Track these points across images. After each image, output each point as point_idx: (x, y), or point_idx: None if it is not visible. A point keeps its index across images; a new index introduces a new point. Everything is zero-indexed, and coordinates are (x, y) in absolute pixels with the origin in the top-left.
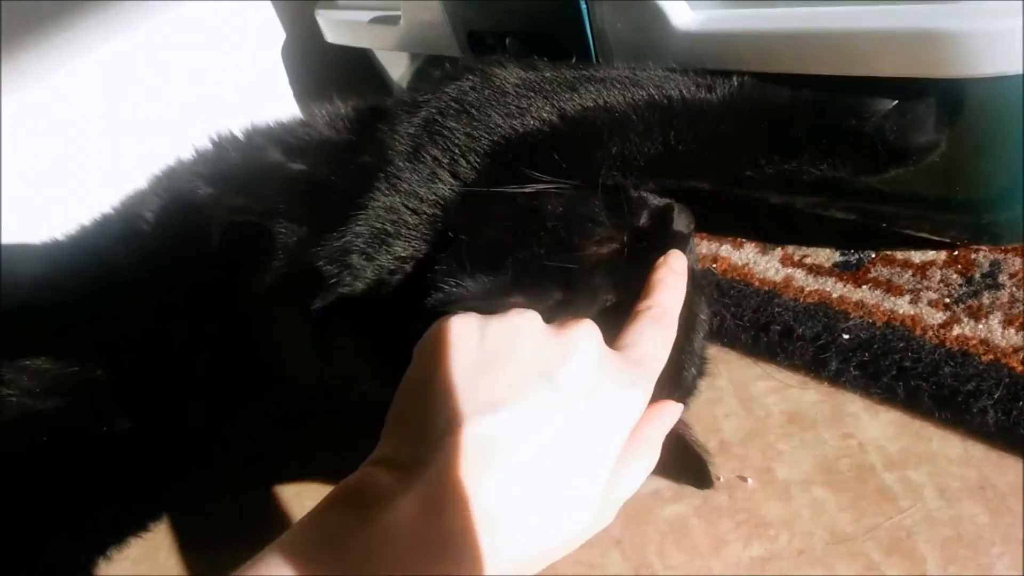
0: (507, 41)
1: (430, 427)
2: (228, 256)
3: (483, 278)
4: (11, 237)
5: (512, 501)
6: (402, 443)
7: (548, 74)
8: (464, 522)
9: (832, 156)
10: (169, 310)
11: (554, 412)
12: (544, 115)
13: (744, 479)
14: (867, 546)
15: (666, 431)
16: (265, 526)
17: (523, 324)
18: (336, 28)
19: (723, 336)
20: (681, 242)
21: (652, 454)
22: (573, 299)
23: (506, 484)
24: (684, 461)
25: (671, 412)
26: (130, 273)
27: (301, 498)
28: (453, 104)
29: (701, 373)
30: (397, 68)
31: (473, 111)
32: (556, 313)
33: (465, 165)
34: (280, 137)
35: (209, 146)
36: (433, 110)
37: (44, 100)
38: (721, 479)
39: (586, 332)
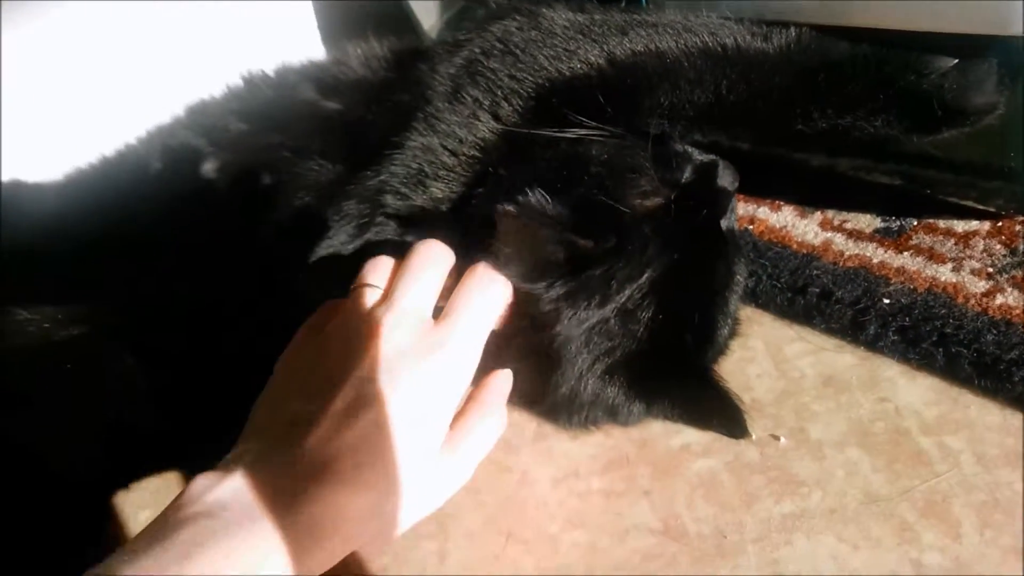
0: None
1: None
2: (260, 194)
3: (557, 204)
4: (31, 171)
5: (316, 483)
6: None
7: (598, 17)
8: (268, 501)
9: (887, 112)
10: (192, 246)
11: (360, 399)
12: (592, 59)
13: (777, 438)
14: (901, 507)
15: (504, 395)
16: None
17: (341, 327)
18: None
19: (757, 297)
20: (724, 199)
21: (491, 418)
22: (625, 247)
23: (312, 465)
24: (718, 409)
25: (503, 377)
26: (153, 206)
27: None
28: (497, 44)
29: (734, 333)
30: (428, 17)
31: (518, 52)
32: (608, 260)
33: (507, 107)
34: (314, 75)
35: (240, 83)
36: (476, 50)
37: (55, 37)
38: (754, 436)
39: (392, 322)
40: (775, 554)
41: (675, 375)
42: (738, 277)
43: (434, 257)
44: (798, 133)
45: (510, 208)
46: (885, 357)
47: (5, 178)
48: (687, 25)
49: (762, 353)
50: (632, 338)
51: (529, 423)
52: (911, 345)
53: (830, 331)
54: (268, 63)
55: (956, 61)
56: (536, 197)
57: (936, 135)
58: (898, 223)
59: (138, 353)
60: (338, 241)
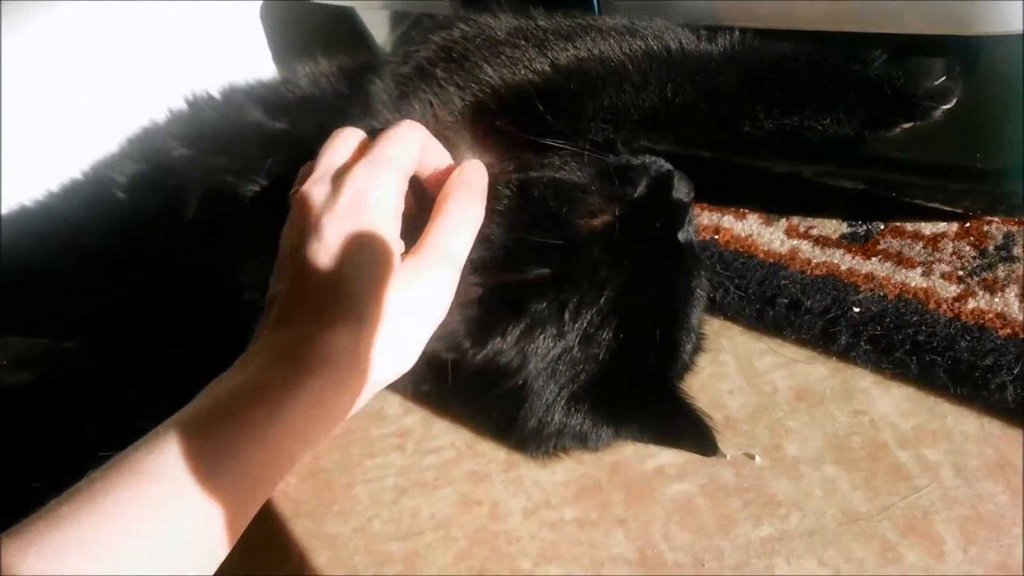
0: None
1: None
2: (205, 218)
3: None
4: None
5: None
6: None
7: (543, 23)
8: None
9: (836, 109)
10: (143, 277)
11: (303, 262)
12: (536, 65)
13: (751, 456)
14: (882, 526)
15: (474, 185)
16: None
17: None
18: None
19: (725, 310)
20: (680, 211)
21: (456, 215)
22: (569, 275)
23: (287, 325)
24: (687, 427)
25: (468, 169)
26: (102, 240)
27: None
28: (441, 54)
29: (699, 349)
30: (380, 31)
31: (464, 61)
32: (550, 291)
33: (452, 118)
34: (261, 95)
35: (184, 107)
36: (422, 60)
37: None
38: (728, 456)
39: (310, 187)
40: None
41: (640, 396)
42: (699, 291)
43: (343, 136)
44: (747, 136)
45: None
46: (858, 367)
47: None
48: (632, 29)
49: (733, 368)
50: (594, 362)
51: (498, 452)
52: (884, 354)
53: (801, 342)
54: (210, 86)
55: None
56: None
57: (890, 129)
58: (865, 227)
59: (88, 392)
60: None
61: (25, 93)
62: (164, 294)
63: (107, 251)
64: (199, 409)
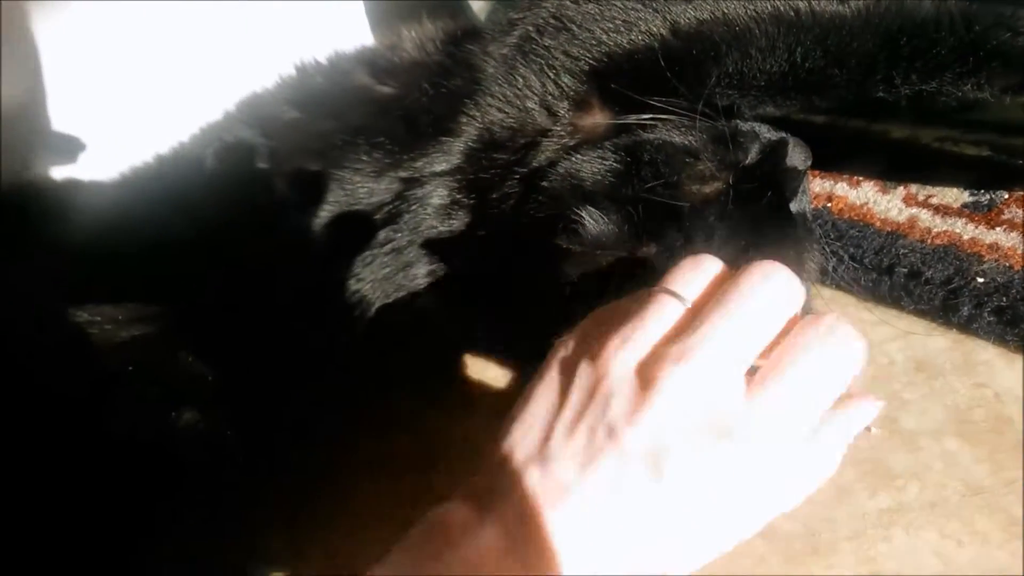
0: None
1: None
2: (311, 184)
3: (614, 220)
4: (90, 170)
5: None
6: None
7: None
8: (538, 556)
9: (978, 74)
10: (251, 239)
11: (600, 469)
12: (655, 29)
13: (868, 428)
14: (1007, 500)
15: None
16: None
17: (613, 371)
18: None
19: (838, 280)
20: (793, 179)
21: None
22: (691, 242)
23: (578, 519)
24: None
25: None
26: (211, 202)
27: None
28: (552, 20)
29: None
30: None
31: (574, 27)
32: (677, 257)
33: (563, 89)
34: (368, 59)
35: (293, 72)
36: (530, 28)
37: (97, 32)
38: None
39: (682, 377)
40: (872, 551)
41: None
42: (810, 265)
43: (779, 291)
44: (879, 101)
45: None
46: (980, 340)
47: (60, 176)
48: None
49: None
50: None
51: None
52: (1009, 326)
53: (919, 313)
54: (318, 52)
55: None
56: (590, 220)
57: None
58: (988, 196)
59: (201, 354)
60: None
61: (130, 59)
62: (264, 261)
63: (216, 214)
64: None
